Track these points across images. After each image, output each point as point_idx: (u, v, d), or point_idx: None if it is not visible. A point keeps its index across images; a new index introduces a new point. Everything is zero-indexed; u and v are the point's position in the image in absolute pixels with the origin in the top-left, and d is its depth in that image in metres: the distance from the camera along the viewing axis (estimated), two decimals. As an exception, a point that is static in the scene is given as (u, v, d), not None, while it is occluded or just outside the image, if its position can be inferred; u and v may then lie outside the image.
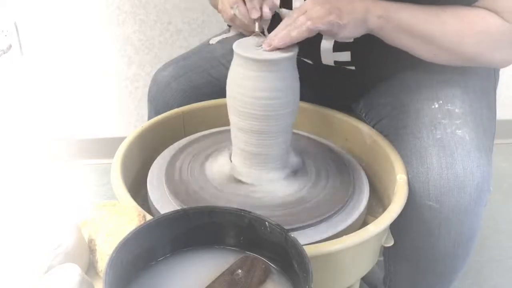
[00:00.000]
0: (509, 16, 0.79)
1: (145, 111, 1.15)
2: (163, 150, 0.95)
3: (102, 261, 0.70)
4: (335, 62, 0.94)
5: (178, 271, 0.62)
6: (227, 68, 0.81)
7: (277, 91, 0.77)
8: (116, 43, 1.60)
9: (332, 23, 0.76)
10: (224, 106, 0.83)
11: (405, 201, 0.79)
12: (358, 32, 0.81)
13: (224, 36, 1.12)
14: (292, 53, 0.77)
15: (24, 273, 0.64)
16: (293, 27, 0.76)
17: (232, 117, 0.82)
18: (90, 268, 0.73)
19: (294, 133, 0.85)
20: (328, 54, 0.93)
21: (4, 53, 1.55)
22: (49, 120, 1.70)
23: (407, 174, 0.82)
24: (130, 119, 1.73)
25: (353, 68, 0.95)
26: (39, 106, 1.67)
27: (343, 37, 0.80)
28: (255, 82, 0.77)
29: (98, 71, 1.64)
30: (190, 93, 1.03)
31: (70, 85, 1.65)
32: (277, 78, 0.77)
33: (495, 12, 0.79)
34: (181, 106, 1.02)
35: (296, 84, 0.80)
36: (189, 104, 1.03)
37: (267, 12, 0.81)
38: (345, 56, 0.92)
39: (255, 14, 0.82)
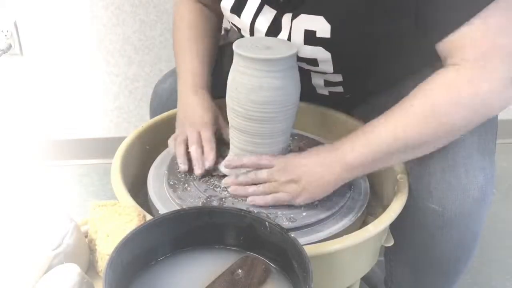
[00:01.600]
0: (474, 55, 0.70)
1: (145, 111, 1.15)
2: (163, 150, 0.95)
3: (102, 261, 0.70)
4: (330, 92, 0.96)
5: (178, 271, 0.62)
6: (226, 75, 0.81)
7: (276, 90, 0.77)
8: (116, 43, 1.60)
9: (292, 195, 0.78)
10: (224, 106, 0.83)
11: (405, 201, 0.79)
12: (319, 197, 0.80)
13: (222, 41, 1.11)
14: (293, 53, 0.77)
15: (24, 273, 0.64)
16: (259, 191, 0.79)
17: (231, 117, 0.82)
18: (90, 268, 0.73)
19: (294, 133, 0.85)
20: (321, 88, 0.95)
21: (4, 53, 1.55)
22: (48, 120, 1.70)
23: (409, 176, 0.82)
24: (130, 119, 1.73)
25: (347, 96, 0.96)
26: (38, 106, 1.67)
27: (301, 203, 0.80)
28: (254, 81, 0.76)
29: (98, 71, 1.64)
30: None
31: (70, 85, 1.65)
32: (275, 78, 0.76)
33: (459, 60, 0.71)
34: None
35: (296, 84, 0.80)
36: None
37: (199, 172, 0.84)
38: (338, 88, 0.93)
39: (198, 171, 0.84)
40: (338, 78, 0.90)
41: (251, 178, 0.81)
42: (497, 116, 0.94)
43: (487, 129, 0.86)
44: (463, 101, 0.71)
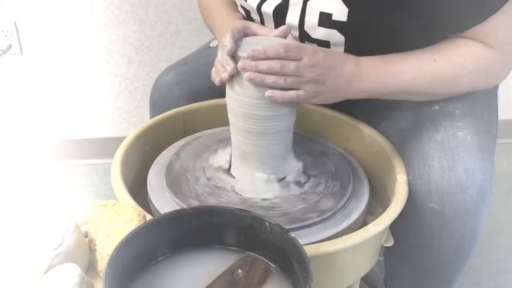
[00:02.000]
0: (496, 44, 0.79)
1: (145, 111, 1.15)
2: (163, 150, 0.95)
3: (102, 261, 0.70)
4: None
5: (178, 271, 0.62)
6: None
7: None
8: (116, 43, 1.60)
9: (309, 95, 0.77)
10: (224, 106, 0.83)
11: (405, 200, 0.79)
12: (331, 102, 0.83)
13: None
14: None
15: (24, 273, 0.64)
16: (279, 84, 0.75)
17: (230, 117, 0.82)
18: (90, 268, 0.73)
19: (294, 133, 0.85)
20: None
21: (4, 53, 1.55)
22: (49, 120, 1.70)
23: (408, 176, 0.82)
24: (130, 119, 1.73)
25: None
26: (39, 106, 1.67)
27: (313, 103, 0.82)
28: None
29: (98, 71, 1.64)
30: (193, 98, 1.03)
31: (70, 85, 1.65)
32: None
33: (482, 42, 0.79)
34: (183, 111, 1.02)
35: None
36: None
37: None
38: None
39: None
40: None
41: (273, 69, 0.74)
42: (497, 116, 0.94)
43: (487, 128, 0.86)
44: (482, 73, 0.82)
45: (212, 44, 1.12)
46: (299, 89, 0.76)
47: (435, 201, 0.78)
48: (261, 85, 0.75)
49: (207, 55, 1.09)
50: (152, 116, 1.09)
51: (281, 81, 0.75)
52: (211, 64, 1.02)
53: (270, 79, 0.74)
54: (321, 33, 0.84)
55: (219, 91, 0.85)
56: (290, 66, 0.74)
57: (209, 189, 0.82)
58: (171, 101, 1.03)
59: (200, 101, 1.03)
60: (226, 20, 0.93)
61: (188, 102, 1.02)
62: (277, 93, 0.75)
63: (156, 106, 1.06)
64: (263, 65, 0.74)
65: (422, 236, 0.82)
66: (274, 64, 0.74)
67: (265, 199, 0.81)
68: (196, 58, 1.11)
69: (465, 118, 0.84)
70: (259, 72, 0.74)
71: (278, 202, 0.80)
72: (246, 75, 0.75)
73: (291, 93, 0.76)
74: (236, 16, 0.95)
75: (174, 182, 0.84)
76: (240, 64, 0.76)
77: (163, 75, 1.07)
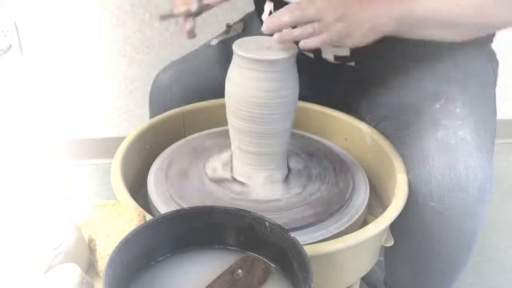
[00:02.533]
0: None
1: (145, 111, 1.15)
2: (163, 150, 0.95)
3: (102, 261, 0.70)
4: (335, 57, 0.94)
5: (178, 271, 0.62)
6: (227, 70, 0.80)
7: (275, 91, 0.77)
8: (116, 43, 1.60)
9: (341, 34, 0.75)
10: (224, 106, 0.83)
11: (405, 201, 0.80)
12: (368, 40, 0.79)
13: (224, 37, 1.12)
14: (292, 54, 0.77)
15: (24, 273, 0.64)
16: (308, 32, 0.74)
17: (230, 117, 0.82)
18: (90, 268, 0.73)
19: (294, 133, 0.85)
20: (327, 48, 0.94)
21: (4, 53, 1.55)
22: (49, 120, 1.70)
23: (409, 175, 0.82)
24: (130, 119, 1.73)
25: (352, 64, 0.95)
26: (39, 106, 1.67)
27: (352, 45, 0.79)
28: (253, 82, 0.76)
29: (98, 71, 1.64)
30: (192, 97, 1.03)
31: (70, 85, 1.65)
32: (275, 78, 0.76)
33: None
34: (182, 109, 1.02)
35: (295, 85, 0.80)
36: (190, 107, 1.02)
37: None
38: (344, 50, 0.92)
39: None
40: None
41: (294, 17, 0.74)
42: (496, 115, 0.95)
43: (487, 127, 0.87)
44: (504, 4, 0.77)
45: (212, 43, 1.12)
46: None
47: (435, 200, 0.78)
48: (291, 40, 0.75)
49: (206, 53, 1.10)
50: (151, 113, 1.09)
51: (308, 29, 0.74)
52: (210, 63, 1.02)
53: (296, 31, 0.75)
54: None
55: (219, 90, 0.85)
56: (310, 10, 0.74)
57: (209, 189, 0.82)
58: (170, 99, 1.03)
59: (199, 99, 1.03)
60: None
61: (187, 100, 1.03)
62: (310, 41, 0.75)
63: (155, 104, 1.06)
64: (284, 16, 0.74)
65: (422, 235, 0.82)
66: (295, 10, 0.74)
67: (265, 199, 0.81)
68: (195, 56, 1.11)
69: (465, 117, 0.84)
70: (283, 25, 0.74)
71: (278, 202, 0.80)
72: (275, 36, 0.75)
73: (323, 36, 0.75)
74: None
75: (174, 182, 0.84)
76: (263, 27, 0.76)
77: (162, 73, 1.08)
